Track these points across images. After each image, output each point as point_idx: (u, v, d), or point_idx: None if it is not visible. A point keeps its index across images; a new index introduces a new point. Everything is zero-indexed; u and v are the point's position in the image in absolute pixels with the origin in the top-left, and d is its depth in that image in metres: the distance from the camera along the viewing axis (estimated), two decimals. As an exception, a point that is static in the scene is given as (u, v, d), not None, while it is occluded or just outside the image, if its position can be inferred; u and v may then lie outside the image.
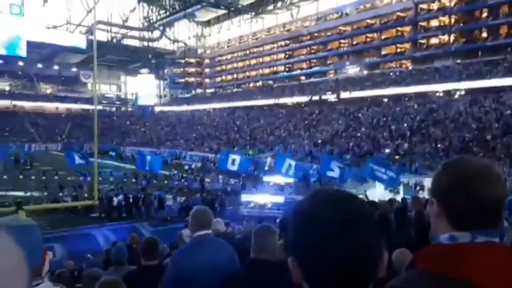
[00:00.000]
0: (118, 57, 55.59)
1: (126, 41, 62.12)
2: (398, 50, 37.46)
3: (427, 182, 15.70)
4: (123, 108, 61.96)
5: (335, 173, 12.51)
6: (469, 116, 24.68)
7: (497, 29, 30.36)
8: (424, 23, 35.19)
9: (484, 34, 31.24)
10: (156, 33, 62.64)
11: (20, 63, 52.03)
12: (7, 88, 52.97)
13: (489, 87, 26.53)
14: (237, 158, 14.07)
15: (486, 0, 30.15)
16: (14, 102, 51.27)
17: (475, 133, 22.14)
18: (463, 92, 29.12)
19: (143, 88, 63.25)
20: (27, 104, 51.65)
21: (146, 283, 2.93)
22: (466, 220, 0.89)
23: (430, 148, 22.36)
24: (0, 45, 47.19)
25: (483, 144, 20.71)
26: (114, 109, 59.61)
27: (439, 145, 22.34)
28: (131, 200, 17.84)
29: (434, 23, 34.56)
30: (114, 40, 59.86)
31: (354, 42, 41.20)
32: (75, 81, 56.13)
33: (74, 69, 56.50)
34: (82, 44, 52.06)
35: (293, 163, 13.67)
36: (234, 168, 14.04)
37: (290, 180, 17.14)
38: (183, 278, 2.48)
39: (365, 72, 39.06)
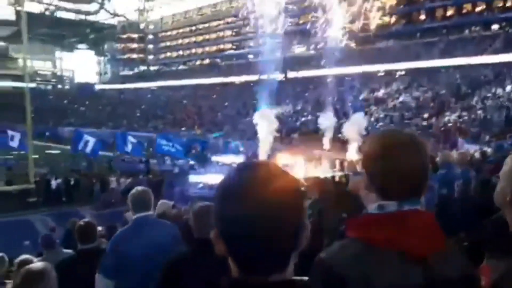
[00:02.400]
0: (52, 30, 51.76)
1: (61, 14, 57.97)
2: (343, 30, 38.20)
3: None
4: (59, 86, 58.20)
5: (128, 147, 13.56)
6: (408, 95, 25.95)
7: (434, 11, 31.86)
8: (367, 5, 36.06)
9: (422, 17, 32.69)
10: (94, 6, 58.96)
11: None
12: None
13: (426, 68, 27.94)
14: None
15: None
16: None
17: (414, 112, 23.36)
18: (403, 72, 30.48)
19: (82, 65, 59.85)
20: None
21: (83, 268, 2.81)
22: (391, 190, 0.92)
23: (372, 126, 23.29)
24: None
25: (420, 122, 21.91)
26: (49, 87, 55.83)
27: (380, 124, 23.31)
28: (72, 182, 16.99)
29: (377, 4, 35.55)
30: (47, 12, 55.62)
31: (301, 21, 41.43)
32: (3, 56, 51.67)
33: (2, 44, 51.92)
34: (11, 16, 47.86)
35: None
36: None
37: (240, 159, 17.10)
38: (122, 262, 2.39)
39: (311, 51, 39.55)
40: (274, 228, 0.68)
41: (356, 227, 0.94)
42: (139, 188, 2.69)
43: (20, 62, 51.21)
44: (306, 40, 40.48)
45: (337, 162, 17.88)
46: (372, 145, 0.98)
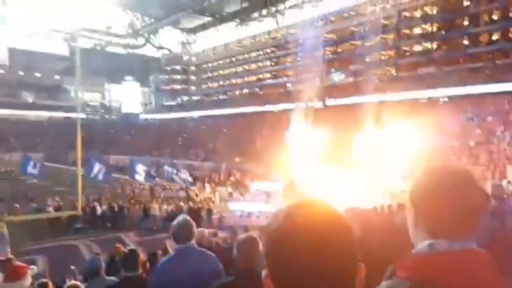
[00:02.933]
0: (102, 64, 54.97)
1: (110, 48, 61.65)
2: (382, 58, 37.93)
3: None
4: (107, 116, 61.19)
5: (140, 176, 13.66)
6: (452, 122, 25.05)
7: (478, 36, 31.02)
8: (407, 31, 35.78)
9: (466, 42, 31.90)
10: (141, 40, 62.29)
11: (1, 71, 51.02)
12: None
13: (471, 94, 27.02)
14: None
15: (467, 9, 30.87)
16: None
17: (459, 140, 22.47)
18: (446, 99, 29.59)
19: (128, 96, 62.72)
20: (7, 113, 50.50)
21: None
22: (443, 228, 0.89)
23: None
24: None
25: (467, 150, 21.00)
26: (97, 117, 58.85)
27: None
28: (115, 209, 17.53)
29: (417, 30, 35.16)
30: (98, 47, 59.29)
31: (339, 50, 41.58)
32: (57, 89, 55.27)
33: (56, 77, 55.63)
34: (65, 52, 51.51)
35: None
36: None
37: (279, 187, 17.09)
38: None
39: (350, 79, 39.38)
40: (328, 274, 0.67)
41: (405, 266, 0.90)
42: (181, 218, 2.73)
43: (72, 94, 54.66)
44: (344, 67, 40.50)
45: (380, 191, 17.38)
46: (423, 179, 0.94)
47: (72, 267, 8.38)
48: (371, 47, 38.33)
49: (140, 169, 16.62)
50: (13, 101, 52.08)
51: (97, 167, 16.01)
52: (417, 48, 35.32)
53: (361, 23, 38.72)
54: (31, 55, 50.42)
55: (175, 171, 15.81)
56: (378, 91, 34.04)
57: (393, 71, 37.18)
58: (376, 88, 34.90)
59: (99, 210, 17.40)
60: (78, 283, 3.71)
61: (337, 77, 41.04)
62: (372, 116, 28.09)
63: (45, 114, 54.09)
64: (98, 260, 4.08)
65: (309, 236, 0.68)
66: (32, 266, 3.58)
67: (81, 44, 45.01)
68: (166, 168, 16.19)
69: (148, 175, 16.85)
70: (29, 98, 55.53)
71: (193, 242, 2.66)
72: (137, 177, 16.74)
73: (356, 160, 21.04)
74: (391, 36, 36.99)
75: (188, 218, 2.77)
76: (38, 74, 54.87)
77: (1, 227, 10.67)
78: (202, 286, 2.26)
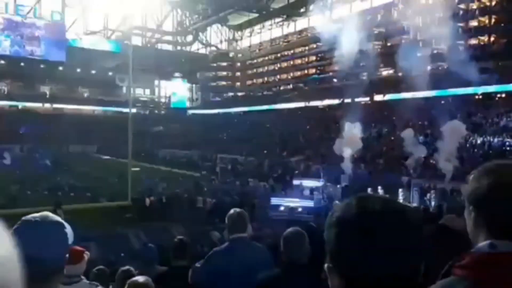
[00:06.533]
0: (152, 61, 56.88)
1: (160, 46, 63.65)
2: (435, 52, 36.28)
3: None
4: (156, 111, 63.34)
5: None
6: (510, 119, 23.61)
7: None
8: (462, 24, 33.98)
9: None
10: (189, 38, 63.80)
11: (60, 68, 54.23)
12: (48, 92, 55.29)
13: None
14: None
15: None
16: (55, 105, 53.41)
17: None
18: (503, 95, 27.88)
19: (176, 91, 64.54)
20: (66, 107, 53.64)
21: (176, 283, 2.98)
22: (508, 229, 0.84)
23: (468, 152, 21.48)
24: (41, 50, 49.55)
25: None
26: (147, 112, 61.04)
27: (476, 150, 21.45)
28: (163, 200, 18.17)
29: (473, 23, 33.31)
30: (149, 45, 61.42)
31: (388, 44, 40.30)
32: (111, 85, 57.87)
33: (110, 73, 58.24)
34: (118, 49, 53.81)
35: None
36: None
37: (320, 183, 16.97)
38: (215, 280, 2.55)
39: (400, 74, 38.00)
40: (401, 267, 0.67)
41: (464, 265, 0.85)
42: (237, 210, 2.78)
43: (124, 89, 57.07)
44: (393, 62, 39.15)
45: (428, 190, 16.81)
46: (484, 178, 0.88)
47: (122, 254, 8.86)
48: (422, 41, 36.77)
49: None
50: (71, 96, 55.22)
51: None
52: (473, 41, 33.47)
53: (412, 16, 37.22)
54: (87, 52, 53.11)
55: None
56: (430, 87, 32.64)
57: (446, 66, 35.46)
58: (428, 83, 33.48)
59: (147, 201, 18.14)
60: (132, 268, 3.86)
61: (386, 71, 39.83)
62: (422, 112, 27.00)
63: (99, 108, 56.94)
64: (154, 249, 4.23)
65: (383, 225, 0.67)
66: (87, 252, 3.78)
67: (133, 41, 46.87)
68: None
69: None
70: (85, 93, 58.64)
71: (246, 234, 2.72)
72: None
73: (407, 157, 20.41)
74: (444, 29, 35.24)
75: (242, 210, 2.83)
76: (93, 71, 57.75)
77: (60, 215, 11.42)
78: (252, 277, 2.33)
